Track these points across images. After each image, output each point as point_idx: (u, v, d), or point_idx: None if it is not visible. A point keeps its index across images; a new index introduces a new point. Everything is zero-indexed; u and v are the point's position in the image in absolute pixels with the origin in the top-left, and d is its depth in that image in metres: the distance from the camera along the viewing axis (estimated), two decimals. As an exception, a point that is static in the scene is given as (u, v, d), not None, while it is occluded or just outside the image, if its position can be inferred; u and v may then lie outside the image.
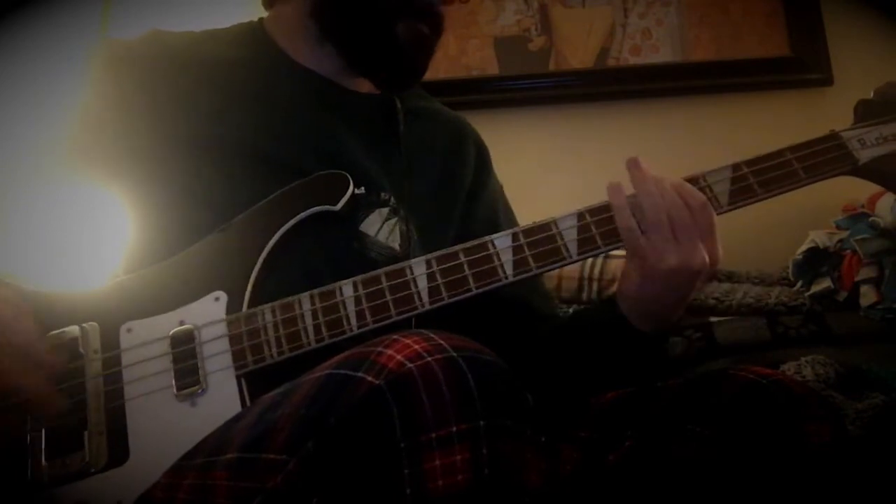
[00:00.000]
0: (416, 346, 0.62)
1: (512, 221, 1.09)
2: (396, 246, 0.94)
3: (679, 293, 0.84)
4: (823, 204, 1.64)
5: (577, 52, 2.06)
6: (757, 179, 0.87)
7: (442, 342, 0.63)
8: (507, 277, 0.83)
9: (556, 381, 0.94)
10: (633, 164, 0.86)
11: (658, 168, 0.89)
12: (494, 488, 0.58)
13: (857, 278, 1.54)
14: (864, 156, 0.89)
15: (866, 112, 0.92)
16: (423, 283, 0.81)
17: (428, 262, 0.82)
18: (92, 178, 0.93)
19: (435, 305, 0.81)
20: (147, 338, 0.80)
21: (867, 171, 0.90)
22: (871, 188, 1.59)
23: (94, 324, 0.82)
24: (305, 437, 0.62)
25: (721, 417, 0.80)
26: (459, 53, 2.05)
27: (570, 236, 0.84)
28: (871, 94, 0.93)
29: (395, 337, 0.64)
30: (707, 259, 0.82)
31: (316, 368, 0.67)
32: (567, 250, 0.84)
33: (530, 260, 0.83)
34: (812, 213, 1.67)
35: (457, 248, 0.83)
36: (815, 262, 1.61)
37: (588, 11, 2.07)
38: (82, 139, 0.93)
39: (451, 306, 0.82)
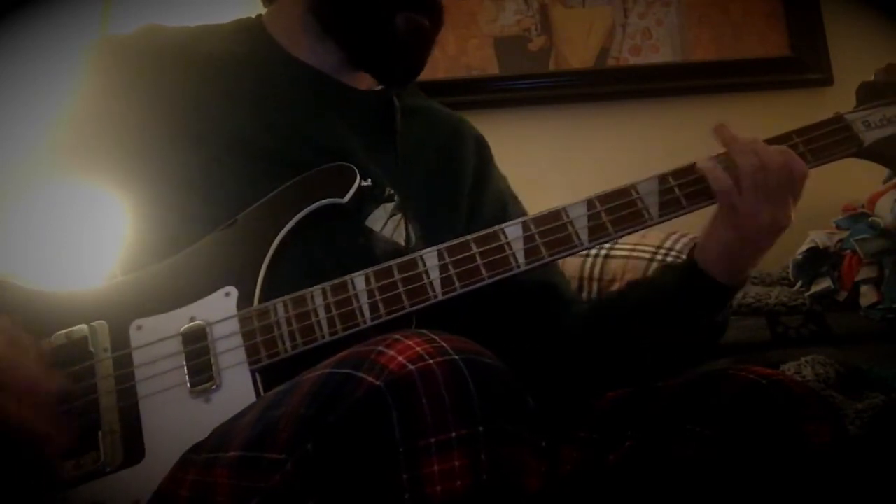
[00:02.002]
0: (418, 348, 0.62)
1: (521, 212, 1.09)
2: (401, 241, 0.94)
3: (761, 247, 0.87)
4: (823, 204, 1.64)
5: (577, 52, 2.06)
6: None
7: (443, 344, 0.62)
8: (518, 266, 0.83)
9: (601, 359, 0.95)
10: (721, 132, 0.88)
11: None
12: (493, 493, 0.58)
13: (857, 278, 1.54)
14: (870, 137, 0.90)
15: (868, 94, 0.93)
16: (435, 274, 0.81)
17: (440, 253, 0.82)
18: (86, 175, 0.93)
19: (448, 296, 0.81)
20: (158, 335, 0.80)
21: (872, 153, 0.91)
22: (871, 188, 1.59)
23: (104, 322, 0.81)
24: (304, 437, 0.61)
25: (721, 417, 0.80)
26: (459, 53, 2.05)
27: (581, 223, 0.85)
28: (873, 76, 0.93)
29: (396, 337, 0.64)
30: (791, 217, 0.85)
31: (317, 367, 0.67)
32: (578, 237, 0.85)
33: (542, 248, 0.83)
34: (812, 213, 1.66)
35: (468, 237, 0.83)
36: (815, 262, 1.61)
37: (588, 11, 2.07)
38: (76, 136, 0.93)
39: (476, 295, 0.82)
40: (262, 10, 1.06)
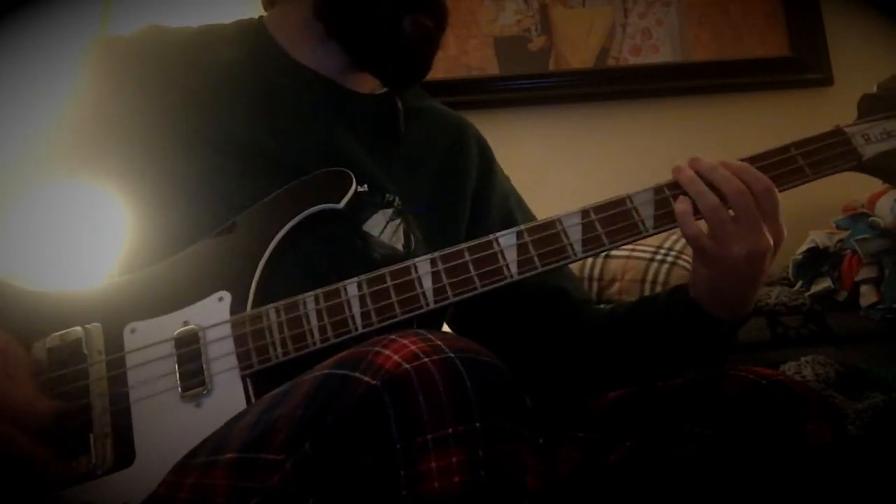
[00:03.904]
0: (414, 347, 0.62)
1: (527, 213, 1.09)
2: (400, 246, 0.93)
3: (749, 279, 0.83)
4: (823, 204, 1.64)
5: (577, 52, 2.06)
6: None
7: (439, 342, 0.62)
8: (511, 276, 0.82)
9: (610, 366, 0.94)
10: (678, 171, 0.86)
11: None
12: (491, 490, 0.58)
13: (857, 278, 1.54)
14: (869, 151, 0.89)
15: (870, 107, 0.91)
16: (427, 283, 0.81)
17: (433, 261, 0.82)
18: (86, 176, 0.93)
19: (439, 305, 0.81)
20: (151, 339, 0.80)
21: (872, 167, 0.89)
22: (871, 188, 1.59)
23: (98, 324, 0.81)
24: (303, 437, 0.62)
25: (721, 417, 0.80)
26: (459, 53, 2.05)
27: (575, 234, 0.84)
28: (875, 89, 0.92)
29: (392, 337, 0.64)
30: (771, 242, 0.82)
31: (315, 368, 0.67)
32: (572, 248, 0.84)
33: (535, 258, 0.83)
34: (812, 213, 1.67)
35: (461, 246, 0.83)
36: (815, 262, 1.61)
37: (588, 11, 2.07)
38: (76, 136, 0.93)
39: (486, 298, 0.81)
40: (263, 10, 1.07)
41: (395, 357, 0.61)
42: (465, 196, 1.04)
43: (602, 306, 1.07)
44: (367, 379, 0.60)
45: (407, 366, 0.60)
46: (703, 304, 0.85)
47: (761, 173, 0.83)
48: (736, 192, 0.81)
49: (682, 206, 0.83)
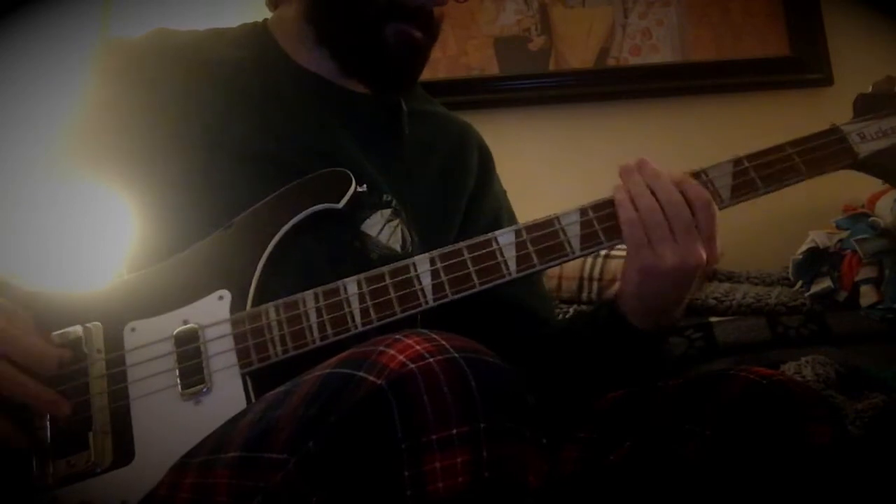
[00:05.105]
0: (418, 347, 0.62)
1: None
2: (398, 247, 0.94)
3: (677, 291, 0.84)
4: (823, 204, 1.65)
5: (577, 52, 2.06)
6: (759, 174, 0.87)
7: (444, 343, 0.62)
8: (510, 273, 0.83)
9: (557, 382, 0.94)
10: (624, 170, 0.86)
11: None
12: (495, 490, 0.58)
13: (857, 278, 1.54)
14: (865, 149, 0.89)
15: (865, 106, 0.92)
16: (426, 280, 0.81)
17: (432, 259, 0.82)
18: (94, 177, 0.93)
19: (439, 302, 0.81)
20: (151, 337, 0.80)
21: (867, 165, 0.90)
22: (872, 188, 1.59)
23: (98, 323, 0.82)
24: (306, 436, 0.62)
25: (721, 418, 0.80)
26: (459, 53, 2.05)
27: (573, 232, 0.84)
28: (870, 89, 0.93)
29: (396, 336, 0.64)
30: (704, 258, 0.82)
31: (317, 367, 0.67)
32: (570, 246, 0.84)
33: (533, 256, 0.83)
34: (812, 213, 1.67)
35: (460, 244, 0.83)
36: (815, 262, 1.61)
37: (588, 11, 2.07)
38: (85, 137, 0.93)
39: (453, 307, 0.82)
40: (261, 11, 1.07)
41: (400, 357, 0.61)
42: (462, 201, 1.04)
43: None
44: (371, 378, 0.61)
45: (412, 365, 0.60)
46: (627, 314, 0.86)
47: (702, 188, 0.84)
48: (672, 200, 0.82)
49: (621, 194, 0.84)
